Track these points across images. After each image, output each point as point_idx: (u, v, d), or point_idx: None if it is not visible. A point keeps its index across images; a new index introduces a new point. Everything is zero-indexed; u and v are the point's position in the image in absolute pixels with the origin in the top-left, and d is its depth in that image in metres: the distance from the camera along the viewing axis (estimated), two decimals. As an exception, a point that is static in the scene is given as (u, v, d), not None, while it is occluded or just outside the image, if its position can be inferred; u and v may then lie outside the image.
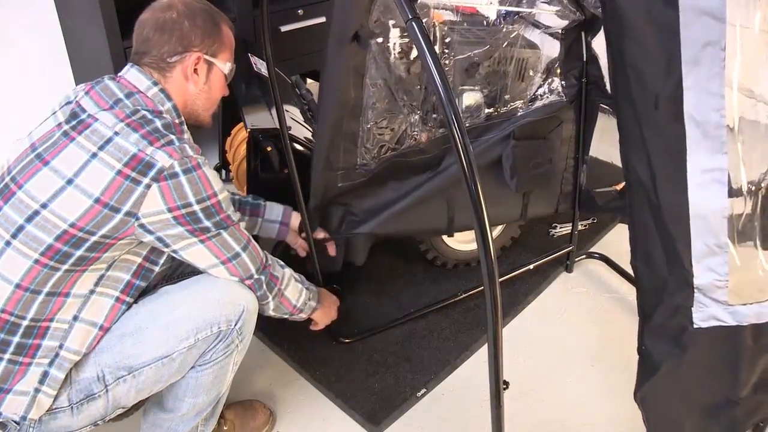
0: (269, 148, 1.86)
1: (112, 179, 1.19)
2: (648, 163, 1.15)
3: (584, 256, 2.26)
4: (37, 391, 1.23)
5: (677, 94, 1.10)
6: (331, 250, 1.85)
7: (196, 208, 1.25)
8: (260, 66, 2.18)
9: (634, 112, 1.13)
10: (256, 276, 1.38)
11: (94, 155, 1.21)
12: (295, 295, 1.51)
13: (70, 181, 1.20)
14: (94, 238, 1.21)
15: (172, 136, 1.25)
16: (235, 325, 1.34)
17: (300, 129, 1.95)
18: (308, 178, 1.74)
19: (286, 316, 1.54)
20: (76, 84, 2.65)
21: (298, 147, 1.85)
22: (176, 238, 1.27)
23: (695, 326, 1.22)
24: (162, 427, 1.46)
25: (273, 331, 1.90)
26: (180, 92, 1.38)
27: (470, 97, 1.79)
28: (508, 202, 1.94)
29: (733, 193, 1.17)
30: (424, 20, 1.55)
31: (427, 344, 1.93)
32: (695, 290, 1.20)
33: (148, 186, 1.20)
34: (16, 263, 1.20)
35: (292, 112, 2.02)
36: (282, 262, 1.50)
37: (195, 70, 1.37)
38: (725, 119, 1.11)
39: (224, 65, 1.42)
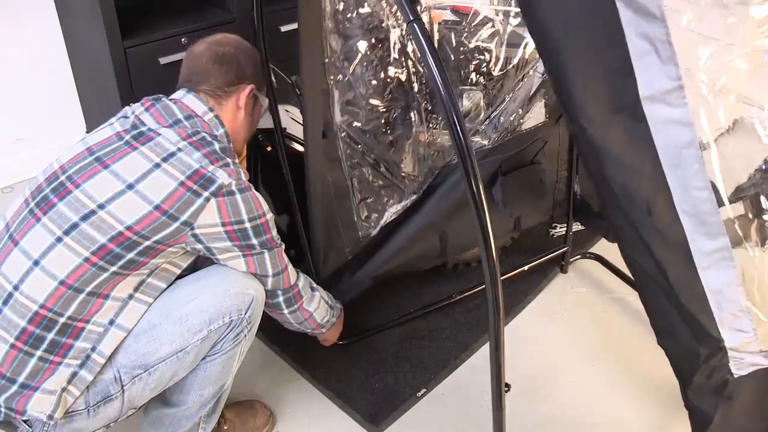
0: (269, 148, 1.87)
1: (174, 189, 1.25)
2: (652, 258, 1.19)
3: (579, 256, 2.25)
4: (63, 390, 1.24)
5: (667, 195, 1.15)
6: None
7: (248, 225, 1.32)
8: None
9: (629, 220, 1.17)
10: (269, 289, 1.44)
11: (157, 165, 1.26)
12: (322, 314, 1.60)
13: (131, 186, 1.24)
14: (147, 243, 1.25)
15: (229, 160, 1.33)
16: (245, 313, 1.36)
17: (299, 129, 1.95)
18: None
19: (308, 332, 1.64)
20: (77, 84, 2.67)
21: (299, 147, 1.85)
22: (222, 250, 1.34)
23: (736, 376, 1.26)
24: (164, 423, 1.46)
25: (273, 331, 1.89)
26: (230, 120, 1.47)
27: (471, 97, 1.79)
28: (501, 219, 1.94)
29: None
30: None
31: (427, 344, 1.93)
32: (729, 351, 1.24)
33: (207, 199, 1.27)
34: (64, 260, 1.23)
35: (292, 112, 2.02)
36: (314, 284, 1.58)
37: (246, 102, 1.49)
38: (717, 205, 1.16)
39: (265, 100, 1.57)
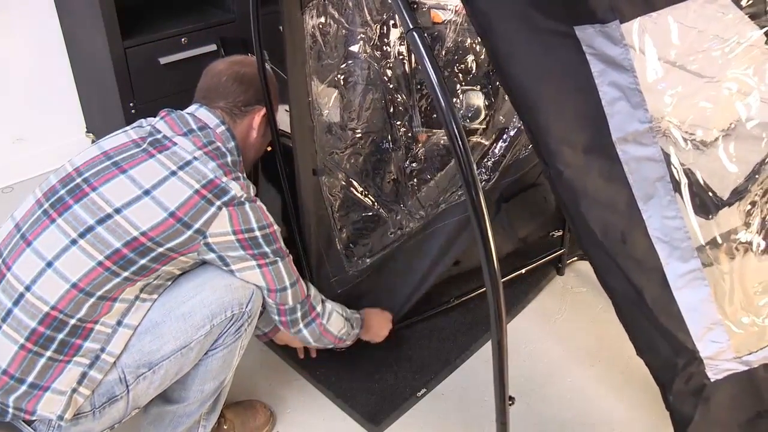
0: (269, 148, 1.86)
1: (189, 197, 1.27)
2: (630, 284, 1.24)
3: (576, 258, 2.24)
4: (74, 390, 1.24)
5: (641, 226, 1.20)
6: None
7: (258, 233, 1.34)
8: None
9: (606, 252, 1.23)
10: (291, 305, 1.45)
11: (173, 173, 1.29)
12: (338, 326, 1.58)
13: (147, 192, 1.26)
14: (160, 250, 1.26)
15: (240, 174, 1.37)
16: (246, 306, 1.38)
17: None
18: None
19: (330, 347, 1.62)
20: (77, 84, 2.68)
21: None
22: (236, 259, 1.35)
23: (712, 381, 1.30)
24: (165, 421, 1.46)
25: (273, 331, 1.89)
26: (242, 137, 1.51)
27: (471, 97, 1.79)
28: (503, 238, 1.95)
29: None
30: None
31: (427, 344, 1.93)
32: (704, 360, 1.29)
33: (220, 208, 1.29)
34: (78, 262, 1.23)
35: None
36: (323, 296, 1.57)
37: (260, 123, 1.53)
38: (689, 233, 1.22)
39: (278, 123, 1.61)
